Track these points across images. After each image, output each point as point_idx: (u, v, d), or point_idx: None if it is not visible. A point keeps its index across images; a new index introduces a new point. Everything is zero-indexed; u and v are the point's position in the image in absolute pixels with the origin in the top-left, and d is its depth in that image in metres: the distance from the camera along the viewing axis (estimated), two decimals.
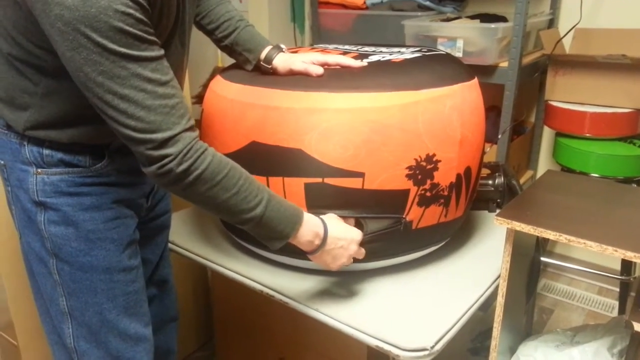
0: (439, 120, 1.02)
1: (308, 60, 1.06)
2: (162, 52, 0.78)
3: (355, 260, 1.03)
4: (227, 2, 1.13)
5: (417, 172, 1.02)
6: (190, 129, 0.80)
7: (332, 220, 0.98)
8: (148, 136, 0.76)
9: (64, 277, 0.93)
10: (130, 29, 0.72)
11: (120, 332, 0.98)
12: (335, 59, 1.08)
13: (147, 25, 0.75)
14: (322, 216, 0.97)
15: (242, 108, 1.04)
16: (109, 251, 0.93)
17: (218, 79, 1.15)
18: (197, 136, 0.81)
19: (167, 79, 0.77)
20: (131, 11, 0.71)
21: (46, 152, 0.88)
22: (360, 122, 0.98)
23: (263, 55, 1.10)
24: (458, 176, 1.08)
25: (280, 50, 1.10)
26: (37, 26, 0.74)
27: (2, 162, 0.92)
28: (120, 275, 0.96)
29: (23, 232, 0.95)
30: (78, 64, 0.72)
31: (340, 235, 0.96)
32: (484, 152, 1.19)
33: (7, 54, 0.83)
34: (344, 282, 1.12)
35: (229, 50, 1.13)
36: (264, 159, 1.02)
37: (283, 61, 1.08)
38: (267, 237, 0.90)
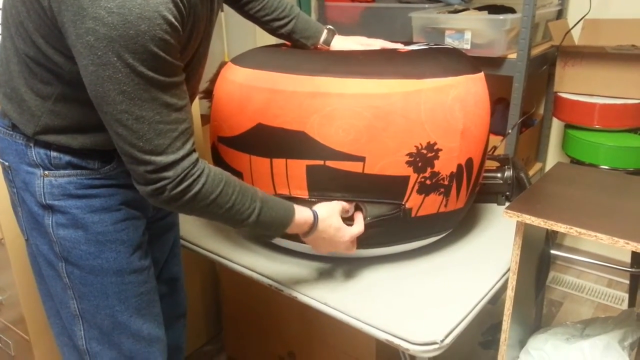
0: (441, 109, 1.02)
1: (358, 43, 1.19)
2: (183, 76, 0.78)
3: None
4: None
5: (418, 159, 1.02)
6: (192, 152, 0.80)
7: (327, 216, 0.98)
8: (151, 158, 0.76)
9: (74, 280, 0.92)
10: (164, 55, 0.71)
11: (134, 333, 0.97)
12: (380, 43, 1.20)
13: (177, 50, 0.75)
14: (317, 207, 0.98)
15: (249, 91, 1.05)
16: (120, 253, 0.93)
17: (229, 65, 1.16)
18: (197, 159, 0.81)
19: (183, 104, 0.77)
20: (167, 37, 0.71)
21: (54, 154, 0.87)
22: (363, 107, 0.99)
23: (321, 40, 1.20)
24: (459, 166, 1.08)
25: (334, 32, 1.21)
26: (61, 33, 0.73)
27: (7, 163, 0.90)
28: (132, 277, 0.95)
29: (30, 234, 0.93)
30: (99, 80, 0.71)
31: (328, 232, 0.98)
32: (487, 146, 1.18)
33: (24, 54, 0.81)
34: (353, 276, 1.13)
35: (286, 37, 1.20)
36: (268, 140, 1.04)
37: (340, 44, 1.20)
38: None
